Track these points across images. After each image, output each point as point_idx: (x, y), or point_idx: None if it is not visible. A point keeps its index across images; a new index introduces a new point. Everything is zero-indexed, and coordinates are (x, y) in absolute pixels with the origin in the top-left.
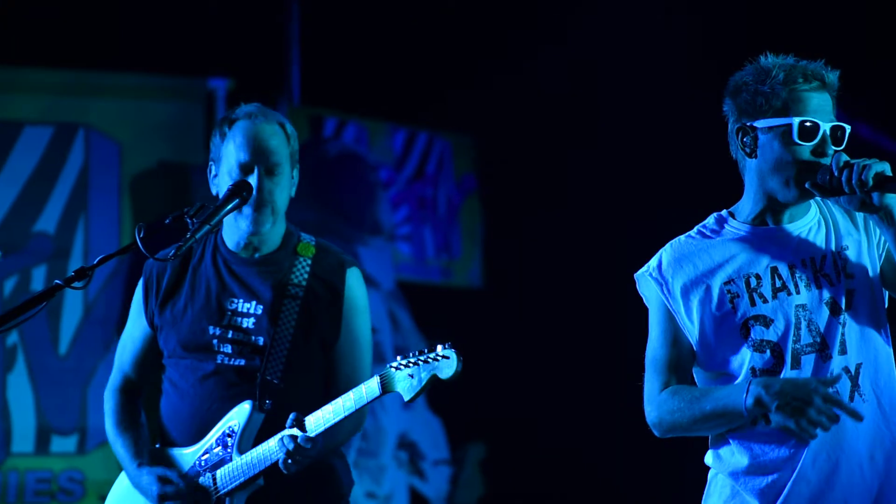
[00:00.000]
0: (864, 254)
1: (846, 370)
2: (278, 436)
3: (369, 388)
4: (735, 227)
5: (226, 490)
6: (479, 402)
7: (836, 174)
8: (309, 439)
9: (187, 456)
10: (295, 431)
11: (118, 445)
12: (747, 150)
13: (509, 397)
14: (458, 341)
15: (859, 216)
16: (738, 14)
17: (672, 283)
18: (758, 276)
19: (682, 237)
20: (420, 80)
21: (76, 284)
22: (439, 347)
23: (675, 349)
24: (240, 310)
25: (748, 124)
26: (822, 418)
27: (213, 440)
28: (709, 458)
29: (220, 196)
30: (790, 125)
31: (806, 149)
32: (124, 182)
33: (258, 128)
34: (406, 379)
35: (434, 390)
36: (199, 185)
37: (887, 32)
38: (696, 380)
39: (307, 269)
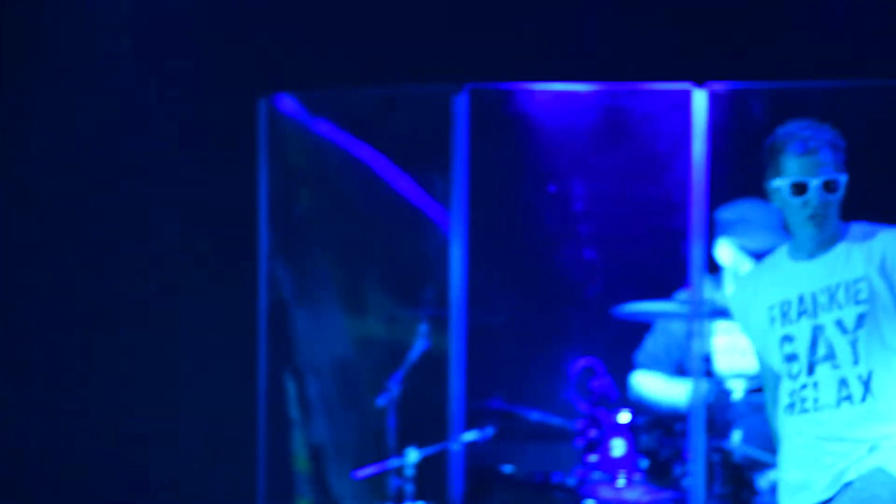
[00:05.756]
0: (878, 285)
1: (859, 377)
2: None
3: None
4: (782, 260)
5: None
6: None
7: None
8: None
9: None
10: None
11: None
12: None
13: None
14: None
15: (876, 253)
16: None
17: (738, 303)
18: (789, 302)
19: (754, 266)
20: None
21: None
22: None
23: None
24: None
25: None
26: None
27: None
28: None
29: None
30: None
31: (798, 201)
32: None
33: None
34: None
35: None
36: None
37: None
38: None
39: None
